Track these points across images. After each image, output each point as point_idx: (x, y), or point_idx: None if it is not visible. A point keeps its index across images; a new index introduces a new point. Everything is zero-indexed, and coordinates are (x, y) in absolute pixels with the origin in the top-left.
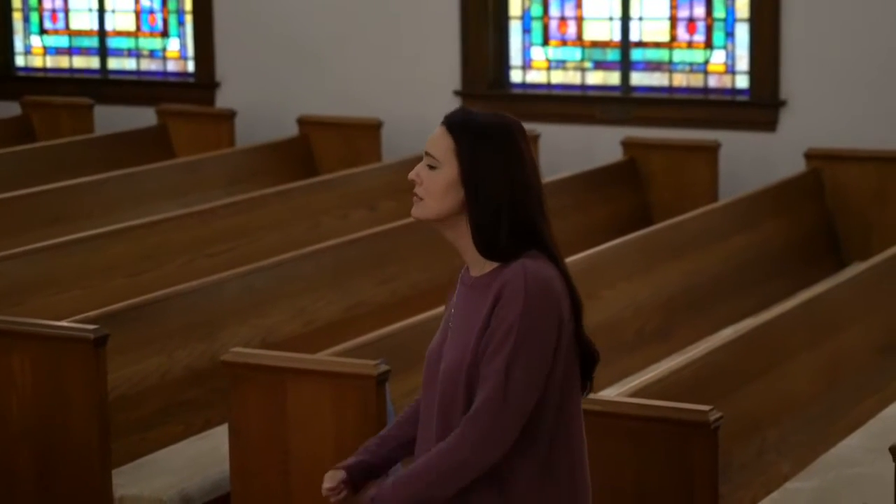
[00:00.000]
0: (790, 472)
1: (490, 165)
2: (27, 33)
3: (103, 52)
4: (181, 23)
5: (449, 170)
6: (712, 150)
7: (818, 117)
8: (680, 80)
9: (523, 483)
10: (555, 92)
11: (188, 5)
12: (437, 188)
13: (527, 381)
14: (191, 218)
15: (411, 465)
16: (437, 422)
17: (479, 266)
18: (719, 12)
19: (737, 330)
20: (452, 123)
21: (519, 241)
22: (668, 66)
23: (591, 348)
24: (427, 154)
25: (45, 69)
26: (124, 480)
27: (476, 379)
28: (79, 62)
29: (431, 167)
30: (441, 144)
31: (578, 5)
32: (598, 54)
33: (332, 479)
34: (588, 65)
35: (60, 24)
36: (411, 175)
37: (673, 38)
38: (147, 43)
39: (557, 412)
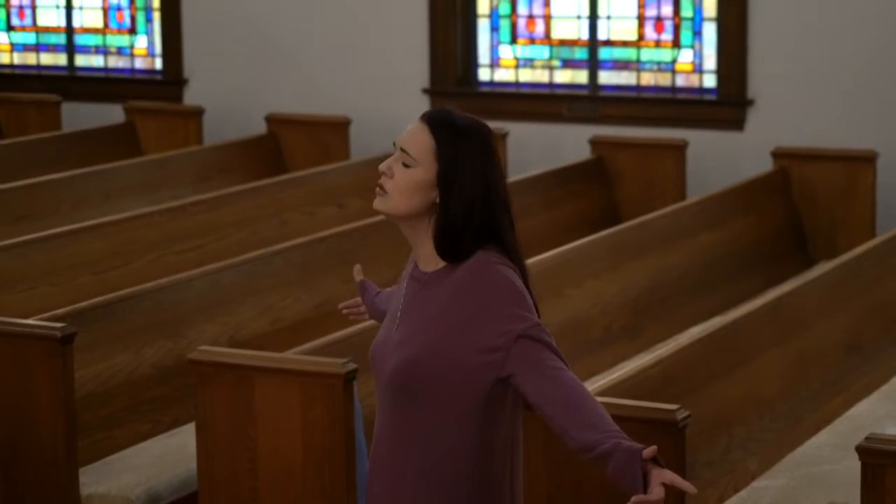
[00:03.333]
0: (757, 470)
1: (467, 171)
2: None
3: (71, 48)
4: (149, 20)
5: (425, 170)
6: (680, 148)
7: (785, 116)
8: (648, 78)
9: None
10: (523, 90)
11: (156, 2)
12: (409, 186)
13: None
14: (159, 215)
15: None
16: (386, 416)
17: (432, 262)
18: (687, 11)
19: (704, 328)
20: (435, 123)
21: (477, 241)
22: (635, 65)
23: None
24: (403, 151)
25: (12, 66)
26: (91, 479)
27: (432, 374)
28: (46, 59)
29: (406, 165)
30: (421, 143)
31: (547, 4)
32: (566, 53)
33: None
34: (556, 63)
35: (28, 21)
36: (382, 167)
37: (641, 36)
38: (115, 40)
39: (516, 413)
